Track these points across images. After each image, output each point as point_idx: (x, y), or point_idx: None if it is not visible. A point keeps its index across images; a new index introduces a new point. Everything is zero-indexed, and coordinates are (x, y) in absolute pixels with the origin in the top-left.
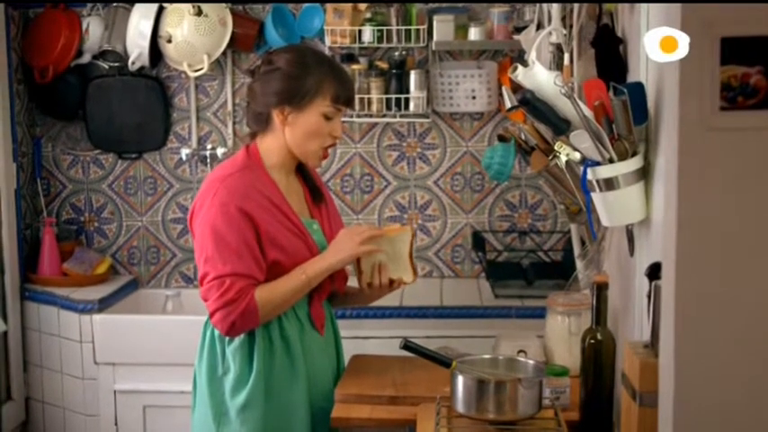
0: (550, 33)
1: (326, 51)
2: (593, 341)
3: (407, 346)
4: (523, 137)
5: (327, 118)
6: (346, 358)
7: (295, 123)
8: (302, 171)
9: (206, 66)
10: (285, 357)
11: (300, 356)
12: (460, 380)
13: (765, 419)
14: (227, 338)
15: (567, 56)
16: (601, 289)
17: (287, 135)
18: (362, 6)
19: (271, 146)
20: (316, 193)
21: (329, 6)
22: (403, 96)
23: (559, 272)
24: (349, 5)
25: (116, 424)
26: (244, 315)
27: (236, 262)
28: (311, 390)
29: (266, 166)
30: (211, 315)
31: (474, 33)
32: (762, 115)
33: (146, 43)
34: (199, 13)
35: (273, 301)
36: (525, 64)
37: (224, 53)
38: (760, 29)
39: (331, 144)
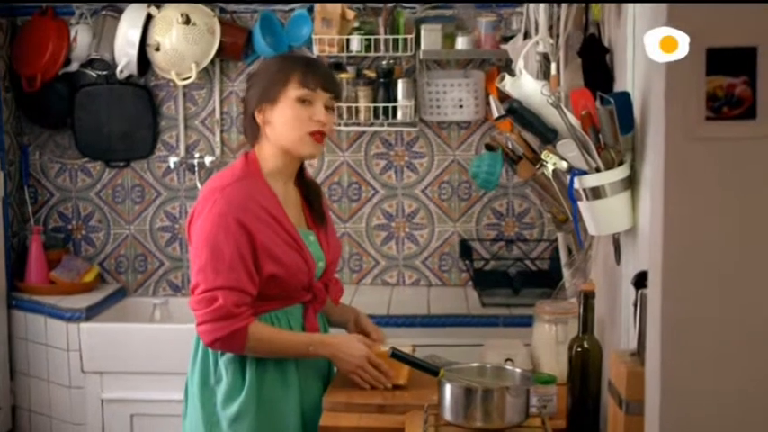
0: (537, 43)
1: None
2: (579, 349)
3: (395, 354)
4: (510, 146)
5: (303, 101)
6: None
7: (273, 117)
8: (304, 185)
9: (194, 74)
10: (277, 368)
11: (293, 368)
12: (448, 388)
13: (751, 428)
14: None
15: (553, 65)
16: (587, 297)
17: (269, 133)
18: (350, 15)
19: (265, 152)
20: (317, 209)
21: (317, 15)
22: (390, 105)
23: (546, 280)
24: (337, 14)
25: None
26: (229, 337)
27: (228, 274)
28: (303, 401)
29: (264, 174)
30: (198, 325)
31: (461, 42)
32: (747, 125)
33: (134, 51)
34: (187, 21)
35: (263, 345)
36: (512, 73)
37: (212, 62)
38: (745, 39)
39: (317, 130)
